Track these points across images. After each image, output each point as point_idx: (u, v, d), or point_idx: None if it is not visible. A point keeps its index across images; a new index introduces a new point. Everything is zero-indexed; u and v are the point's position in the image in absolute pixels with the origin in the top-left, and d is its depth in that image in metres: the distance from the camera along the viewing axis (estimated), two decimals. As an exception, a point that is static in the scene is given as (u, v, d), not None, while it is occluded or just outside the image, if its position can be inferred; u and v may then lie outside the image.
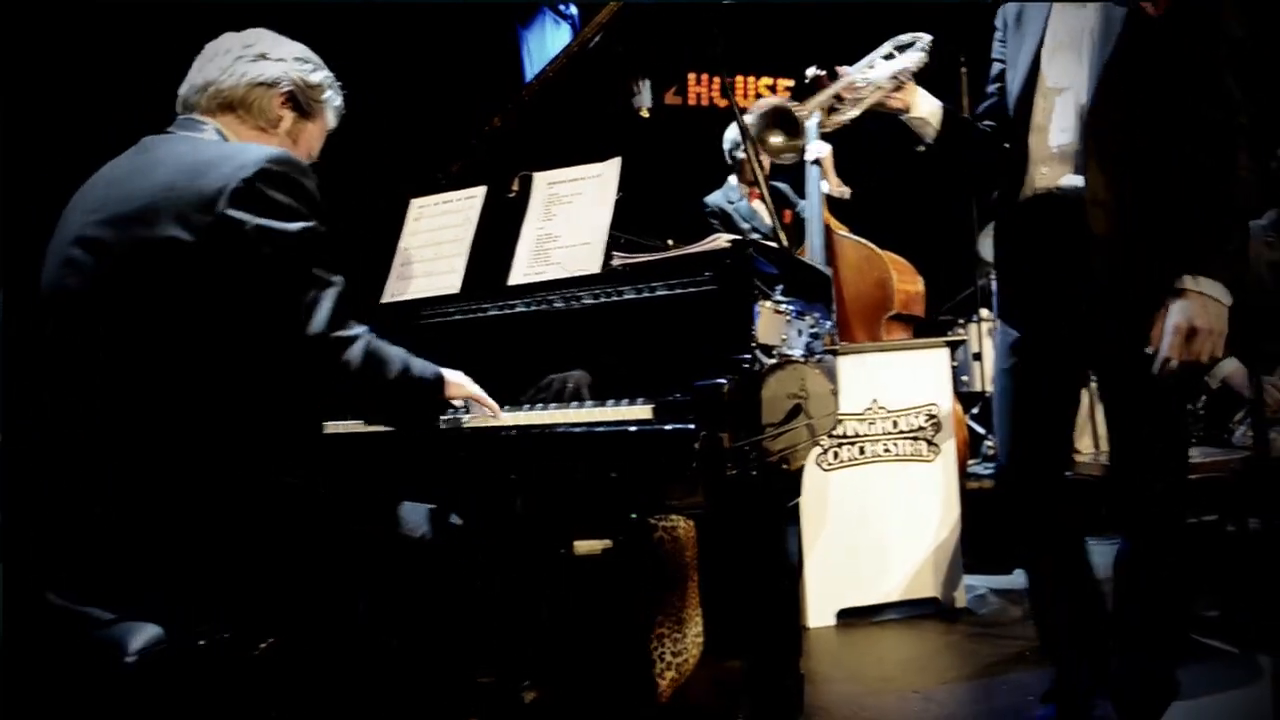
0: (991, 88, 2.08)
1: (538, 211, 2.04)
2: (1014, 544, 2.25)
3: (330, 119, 1.75)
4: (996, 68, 2.06)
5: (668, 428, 1.55)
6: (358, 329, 1.49)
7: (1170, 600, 1.91)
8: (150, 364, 1.39)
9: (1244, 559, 2.93)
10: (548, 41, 5.25)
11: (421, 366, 1.59)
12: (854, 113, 1.99)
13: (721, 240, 1.77)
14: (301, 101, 1.65)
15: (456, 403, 1.72)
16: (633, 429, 1.59)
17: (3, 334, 1.39)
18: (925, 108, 2.01)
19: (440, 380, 1.62)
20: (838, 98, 2.02)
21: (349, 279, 2.00)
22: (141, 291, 1.39)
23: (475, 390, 1.69)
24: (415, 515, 1.65)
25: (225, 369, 1.42)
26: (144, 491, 1.36)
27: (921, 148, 2.05)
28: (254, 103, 1.60)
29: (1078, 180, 1.82)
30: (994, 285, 2.11)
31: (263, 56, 1.61)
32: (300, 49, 1.67)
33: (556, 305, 1.91)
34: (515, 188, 2.13)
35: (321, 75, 1.69)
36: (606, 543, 2.21)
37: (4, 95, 1.89)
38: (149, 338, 1.39)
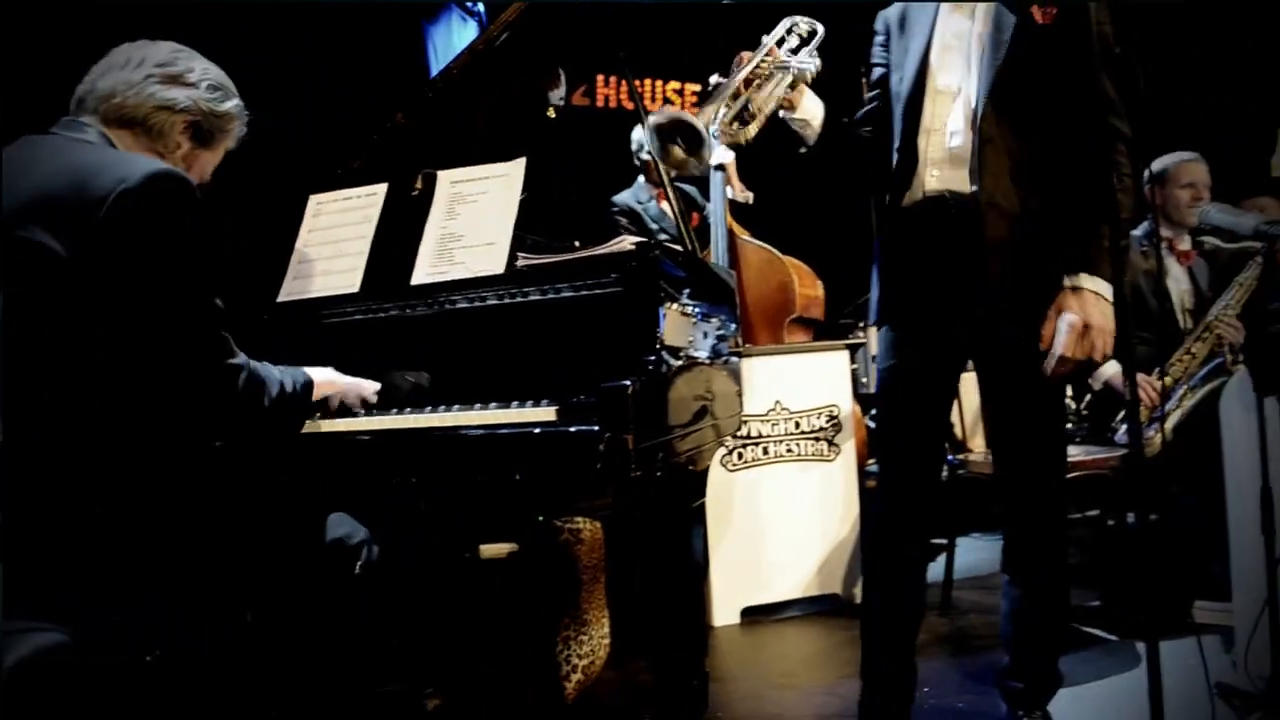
0: (872, 93, 2.04)
1: (441, 210, 2.00)
2: (870, 544, 2.15)
3: (230, 144, 1.69)
4: (878, 72, 2.02)
5: (572, 429, 1.55)
6: (240, 357, 1.47)
7: (1060, 595, 1.98)
8: (28, 369, 1.32)
9: (1123, 552, 3.09)
10: (454, 38, 5.18)
11: (292, 379, 1.58)
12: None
13: (627, 243, 1.77)
14: (204, 131, 1.59)
15: (357, 410, 1.70)
16: (537, 431, 1.58)
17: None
18: (809, 109, 1.98)
19: (309, 385, 1.62)
20: (744, 108, 2.01)
21: (245, 276, 1.93)
22: (14, 295, 1.32)
23: (344, 384, 1.69)
24: (318, 522, 1.61)
25: (102, 379, 1.36)
26: (36, 498, 1.32)
27: (803, 149, 2.01)
28: (155, 126, 1.54)
29: (968, 183, 1.83)
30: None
31: (174, 80, 1.54)
32: (216, 75, 1.60)
33: (460, 306, 1.89)
34: (419, 186, 2.09)
35: (231, 104, 1.62)
36: (512, 546, 2.19)
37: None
38: (24, 344, 1.32)
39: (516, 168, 1.98)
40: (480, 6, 5.41)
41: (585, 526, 2.41)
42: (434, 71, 4.95)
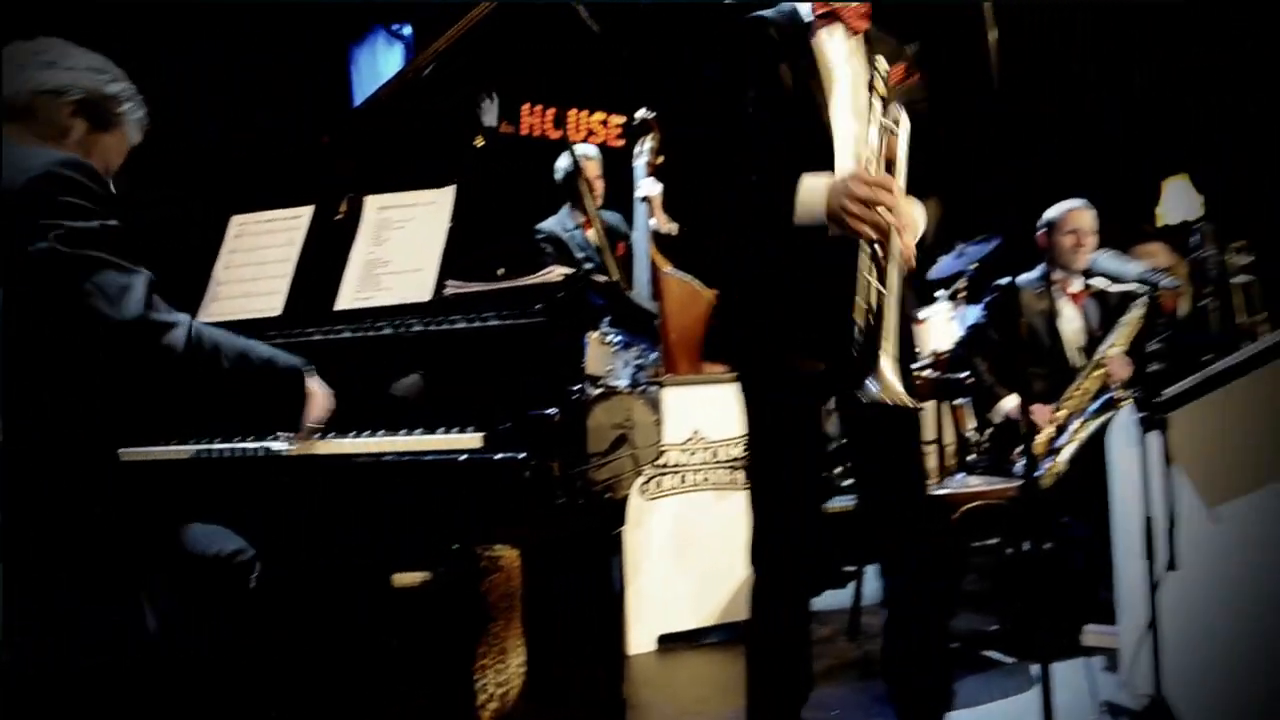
0: (746, 115, 1.87)
1: (368, 235, 2.01)
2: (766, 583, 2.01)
3: (132, 133, 1.67)
4: (753, 95, 1.85)
5: (498, 456, 1.57)
6: (178, 315, 1.45)
7: (945, 619, 2.04)
8: None
9: (1020, 578, 3.23)
10: (379, 60, 5.17)
11: (270, 356, 1.57)
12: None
13: (556, 273, 1.81)
14: (95, 112, 1.58)
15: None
16: (462, 457, 1.59)
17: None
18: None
19: (298, 375, 1.60)
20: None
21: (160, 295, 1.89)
22: None
23: (320, 411, 1.66)
24: (228, 544, 1.59)
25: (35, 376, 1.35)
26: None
27: None
28: (39, 110, 1.53)
29: None
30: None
31: (51, 64, 1.54)
32: (96, 59, 1.60)
33: (385, 332, 1.88)
34: (344, 209, 2.09)
35: (119, 87, 1.62)
36: (426, 575, 2.18)
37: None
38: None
39: (446, 195, 2.00)
40: (407, 30, 5.41)
41: (504, 554, 2.42)
42: (357, 92, 4.93)
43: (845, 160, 1.80)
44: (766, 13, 1.85)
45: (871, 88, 1.75)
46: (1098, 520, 2.57)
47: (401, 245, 1.97)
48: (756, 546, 1.97)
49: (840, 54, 1.83)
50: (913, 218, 1.78)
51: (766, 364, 1.89)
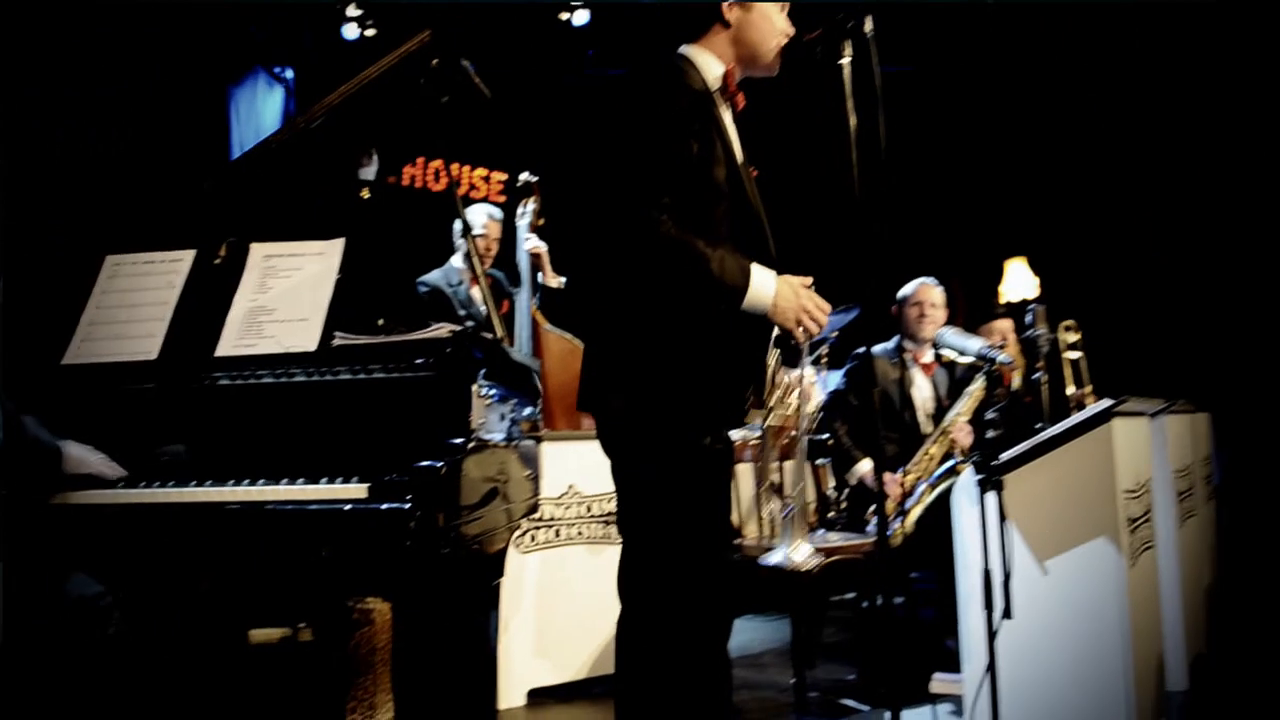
0: (681, 172, 1.81)
1: (252, 283, 2.00)
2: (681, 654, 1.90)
3: None
4: (688, 152, 1.81)
5: (383, 507, 1.59)
6: None
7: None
8: None
9: (874, 631, 3.41)
10: (259, 103, 5.10)
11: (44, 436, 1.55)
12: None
13: (444, 329, 1.85)
14: None
15: None
16: (347, 507, 1.60)
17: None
18: None
19: (56, 453, 1.61)
20: None
21: (22, 335, 1.85)
22: None
23: (95, 465, 1.67)
24: (87, 589, 1.55)
25: None
26: None
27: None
28: None
29: None
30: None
31: None
32: None
33: (265, 380, 1.88)
34: (222, 253, 2.08)
35: None
36: (286, 630, 2.14)
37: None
38: None
39: (335, 247, 2.03)
40: (289, 73, 5.37)
41: (376, 607, 2.39)
42: (234, 134, 4.83)
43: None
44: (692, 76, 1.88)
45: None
46: (944, 575, 2.76)
47: (287, 294, 1.97)
48: (678, 600, 1.88)
49: (732, 130, 1.94)
50: None
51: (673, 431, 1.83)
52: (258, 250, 2.04)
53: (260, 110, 5.00)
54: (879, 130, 1.87)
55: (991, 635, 2.00)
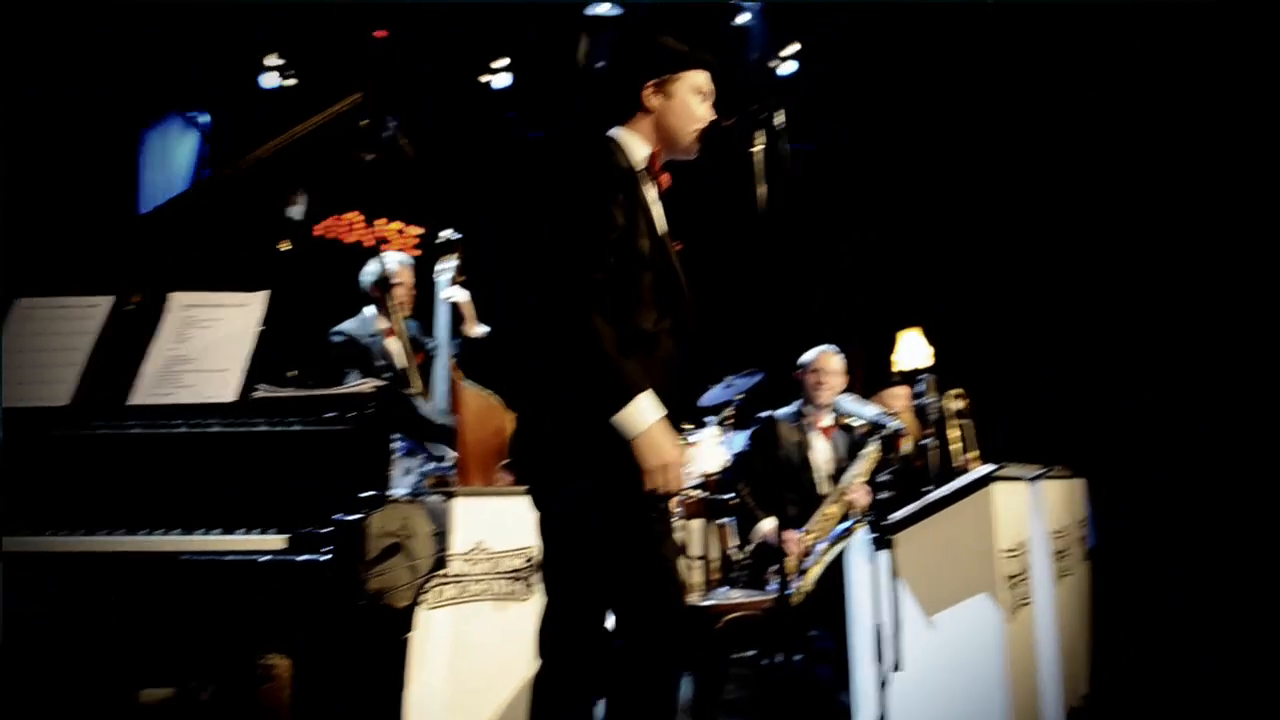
0: (611, 243, 1.91)
1: (171, 332, 2.00)
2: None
3: None
4: (616, 223, 1.92)
5: (301, 559, 1.61)
6: None
7: None
8: None
9: (774, 687, 3.49)
10: (172, 146, 5.04)
11: None
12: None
13: (368, 384, 1.90)
14: None
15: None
16: (264, 559, 1.62)
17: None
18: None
19: None
20: None
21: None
22: None
23: None
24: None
25: None
26: None
27: None
28: None
29: None
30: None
31: None
32: None
33: (179, 430, 1.87)
34: (136, 300, 2.08)
35: None
36: (168, 692, 2.09)
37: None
38: None
39: (258, 299, 2.05)
40: (205, 118, 5.33)
41: (278, 663, 2.36)
42: (144, 177, 4.76)
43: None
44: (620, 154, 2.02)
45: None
46: (840, 632, 2.88)
47: (207, 344, 1.98)
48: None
49: (657, 207, 2.08)
50: None
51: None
52: (177, 299, 2.05)
53: (173, 154, 4.94)
54: (785, 209, 2.02)
55: (882, 686, 2.11)
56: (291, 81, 5.74)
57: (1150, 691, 4.00)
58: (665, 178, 2.10)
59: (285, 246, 2.88)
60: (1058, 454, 4.22)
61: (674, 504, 2.06)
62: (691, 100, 2.05)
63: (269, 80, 5.63)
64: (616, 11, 6.06)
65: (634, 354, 1.90)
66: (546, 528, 2.01)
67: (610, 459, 1.87)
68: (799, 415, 3.78)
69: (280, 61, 5.72)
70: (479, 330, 3.57)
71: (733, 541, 3.89)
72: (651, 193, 2.06)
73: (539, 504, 2.01)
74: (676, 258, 2.07)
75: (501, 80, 6.37)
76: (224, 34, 5.40)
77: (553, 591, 2.00)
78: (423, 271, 3.85)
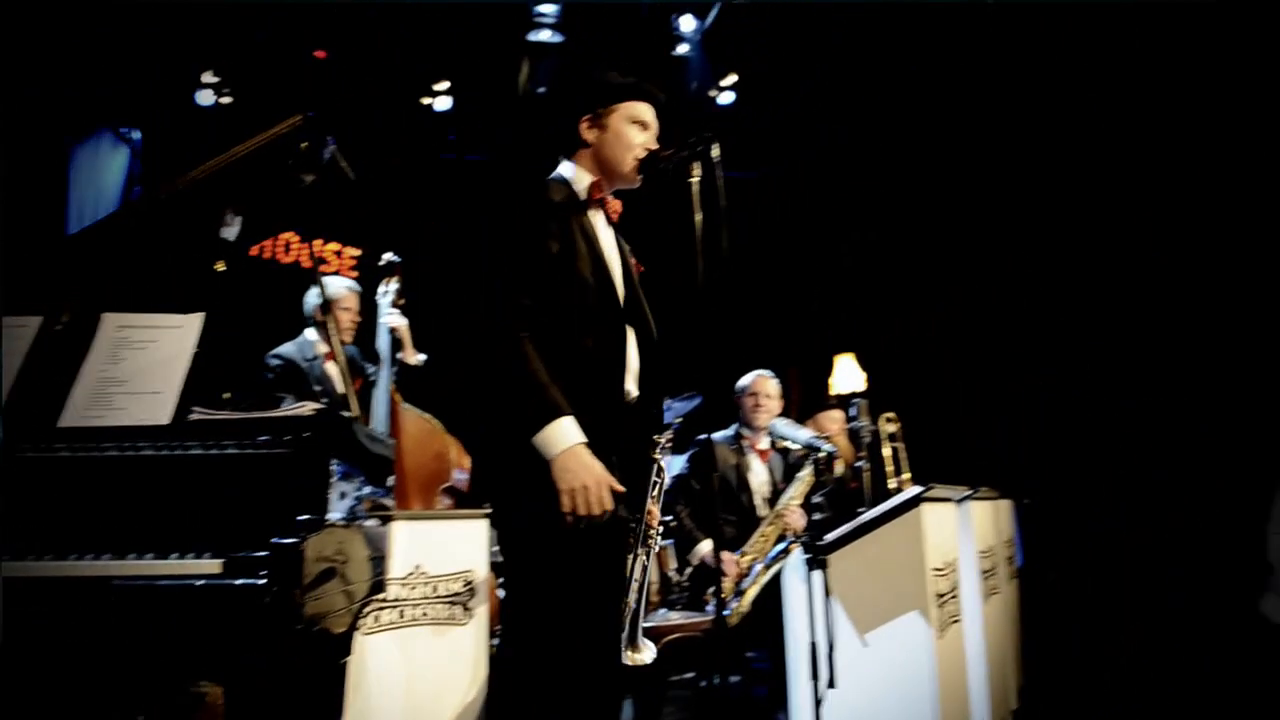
0: (545, 269, 2.04)
1: (103, 353, 1.97)
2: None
3: None
4: (550, 251, 2.05)
5: (238, 583, 1.59)
6: None
7: None
8: None
9: (712, 708, 3.52)
10: (101, 161, 4.93)
11: None
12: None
13: (307, 407, 1.89)
14: None
15: None
16: (199, 583, 1.59)
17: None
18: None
19: None
20: None
21: None
22: None
23: None
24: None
25: None
26: None
27: None
28: None
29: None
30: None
31: None
32: None
33: (110, 454, 1.84)
34: (65, 319, 2.04)
35: None
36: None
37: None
38: None
39: (193, 321, 2.03)
40: (136, 134, 5.23)
41: (210, 690, 2.31)
42: (73, 192, 4.64)
43: (632, 318, 2.12)
44: (558, 187, 2.15)
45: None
46: (777, 653, 2.92)
47: (140, 366, 1.95)
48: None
49: (606, 234, 2.20)
50: None
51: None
52: (110, 320, 2.01)
53: (103, 170, 4.83)
54: (723, 237, 2.09)
55: (817, 704, 2.16)
56: (228, 100, 5.67)
57: (1077, 707, 4.13)
58: (615, 205, 2.20)
59: (220, 268, 2.85)
60: (985, 476, 4.36)
61: (654, 524, 2.13)
62: (627, 131, 2.16)
63: (205, 98, 5.55)
64: (558, 39, 6.13)
65: (572, 374, 2.00)
66: (505, 548, 2.09)
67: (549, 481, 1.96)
68: (736, 438, 3.84)
69: (216, 79, 5.65)
70: (417, 358, 3.56)
71: (671, 564, 3.92)
72: (598, 220, 2.17)
73: (497, 524, 2.05)
74: (631, 279, 2.18)
75: (442, 103, 6.37)
76: (158, 49, 5.32)
77: (513, 611, 2.11)
78: (365, 294, 3.82)
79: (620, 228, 2.29)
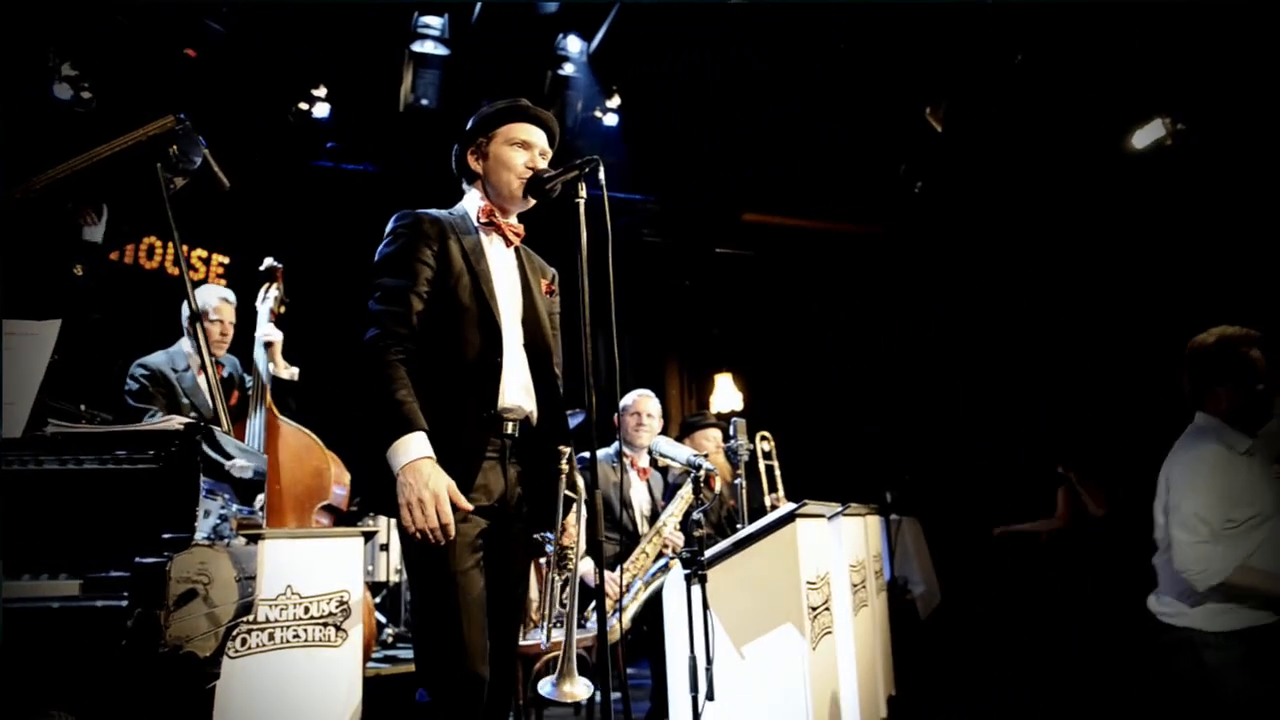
0: (421, 289, 2.13)
1: (-52, 361, 1.84)
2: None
3: None
4: (426, 272, 2.14)
5: (99, 604, 1.51)
6: None
7: None
8: None
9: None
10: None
11: None
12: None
13: (175, 421, 1.81)
14: None
15: None
16: (55, 605, 1.50)
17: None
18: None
19: None
20: None
21: None
22: None
23: None
24: None
25: None
26: None
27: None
28: None
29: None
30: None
31: None
32: None
33: (-49, 467, 1.72)
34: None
35: None
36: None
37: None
38: None
39: (49, 328, 1.92)
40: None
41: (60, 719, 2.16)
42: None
43: (513, 332, 2.20)
44: (440, 212, 2.24)
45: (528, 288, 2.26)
46: (658, 668, 2.96)
47: (-10, 376, 1.83)
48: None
49: (499, 254, 2.27)
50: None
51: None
52: (-43, 327, 1.88)
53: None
54: (608, 253, 2.13)
55: (696, 716, 2.20)
56: (87, 94, 5.36)
57: (944, 715, 4.33)
58: (514, 228, 2.30)
59: (79, 271, 2.70)
60: (854, 492, 4.54)
61: (570, 543, 2.15)
62: (507, 153, 2.24)
63: (63, 91, 5.23)
64: (442, 51, 6.07)
65: (444, 390, 2.09)
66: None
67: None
68: (618, 456, 3.88)
69: (74, 72, 5.33)
70: (289, 371, 3.45)
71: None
72: (491, 243, 2.26)
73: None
74: (531, 299, 2.27)
75: (320, 110, 6.21)
76: (11, 34, 5.00)
77: (414, 621, 2.24)
78: (240, 302, 3.67)
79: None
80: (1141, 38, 5.47)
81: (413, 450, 1.99)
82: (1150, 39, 5.47)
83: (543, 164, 2.24)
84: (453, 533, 1.99)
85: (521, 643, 3.33)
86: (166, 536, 1.68)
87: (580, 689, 2.07)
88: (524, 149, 2.24)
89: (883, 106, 6.56)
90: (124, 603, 1.52)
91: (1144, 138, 6.16)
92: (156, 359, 3.45)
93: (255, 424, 3.18)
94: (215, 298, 3.55)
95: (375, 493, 2.12)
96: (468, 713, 2.07)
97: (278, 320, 3.37)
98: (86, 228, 2.70)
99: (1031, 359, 7.30)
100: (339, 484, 3.47)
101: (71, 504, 1.70)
